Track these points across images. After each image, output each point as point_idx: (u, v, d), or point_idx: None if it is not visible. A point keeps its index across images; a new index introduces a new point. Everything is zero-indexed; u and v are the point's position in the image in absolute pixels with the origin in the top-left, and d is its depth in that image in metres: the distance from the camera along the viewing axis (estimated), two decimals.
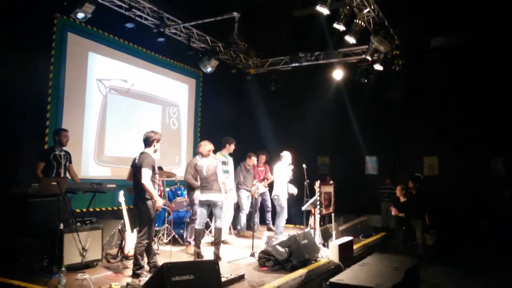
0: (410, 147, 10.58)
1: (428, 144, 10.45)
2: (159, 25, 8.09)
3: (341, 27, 7.15)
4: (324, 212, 6.58)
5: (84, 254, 4.99)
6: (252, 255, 5.91)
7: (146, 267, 4.90)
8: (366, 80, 9.45)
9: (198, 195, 6.13)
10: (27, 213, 4.99)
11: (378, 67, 8.81)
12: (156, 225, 6.52)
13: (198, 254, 5.78)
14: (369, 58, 8.66)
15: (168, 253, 5.87)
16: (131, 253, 5.29)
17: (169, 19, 8.23)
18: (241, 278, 4.68)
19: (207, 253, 5.95)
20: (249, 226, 7.85)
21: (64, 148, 5.95)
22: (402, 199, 8.00)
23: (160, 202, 4.96)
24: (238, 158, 8.25)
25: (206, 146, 6.10)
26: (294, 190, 7.74)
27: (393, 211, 7.99)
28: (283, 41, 10.14)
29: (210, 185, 5.84)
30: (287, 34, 9.96)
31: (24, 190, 5.08)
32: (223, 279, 4.10)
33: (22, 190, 5.15)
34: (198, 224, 5.94)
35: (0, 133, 5.92)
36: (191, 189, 6.64)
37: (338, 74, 9.71)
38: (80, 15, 6.51)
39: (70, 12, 6.55)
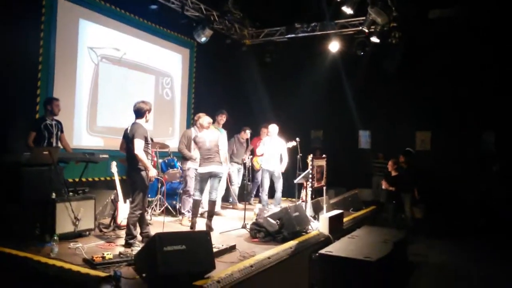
0: (403, 121, 10.60)
1: (421, 119, 10.48)
2: None
3: None
4: (316, 185, 6.64)
5: (77, 223, 5.01)
6: (244, 226, 5.98)
7: (139, 237, 4.94)
8: (362, 53, 9.36)
9: (197, 167, 6.09)
10: (19, 182, 4.94)
11: (374, 39, 8.71)
12: (149, 195, 6.55)
13: (193, 224, 5.84)
14: (366, 30, 8.56)
15: (161, 224, 5.93)
16: (124, 223, 5.33)
17: None
18: (232, 248, 4.75)
19: (200, 225, 6.02)
20: (241, 199, 7.91)
21: (55, 117, 5.88)
22: (393, 173, 8.08)
23: (153, 172, 4.97)
24: (232, 130, 8.23)
25: (206, 118, 6.10)
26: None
27: (384, 185, 8.09)
28: (279, 11, 9.94)
29: (212, 157, 5.86)
30: (283, 4, 9.75)
31: (16, 159, 5.04)
32: (214, 250, 4.15)
33: (14, 159, 5.11)
34: (198, 196, 5.96)
35: None
36: (184, 159, 6.65)
37: (334, 46, 9.59)
38: None
39: None
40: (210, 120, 6.20)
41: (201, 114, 6.62)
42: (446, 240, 8.02)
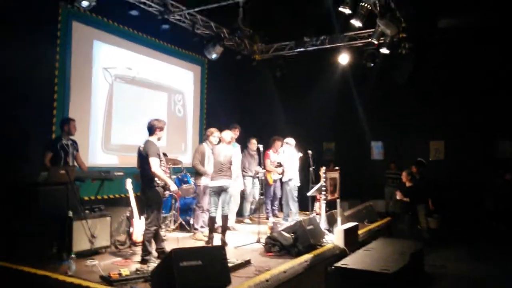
0: (416, 131, 10.54)
1: (434, 129, 10.41)
2: (163, 12, 8.05)
3: (347, 11, 7.07)
4: (329, 197, 6.63)
5: (93, 241, 5.09)
6: (258, 241, 5.98)
7: (154, 253, 4.98)
8: (372, 64, 9.38)
9: (208, 182, 6.15)
10: (37, 201, 5.06)
11: (384, 50, 8.72)
12: (163, 212, 6.61)
13: (210, 240, 5.85)
14: (376, 42, 8.56)
15: (175, 239, 5.98)
16: (139, 239, 5.38)
17: (173, 6, 8.19)
18: (247, 263, 4.75)
19: (215, 240, 6.02)
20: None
21: (71, 137, 6.01)
22: (407, 184, 8.01)
23: (174, 187, 5.09)
24: (244, 145, 8.27)
25: (229, 132, 6.25)
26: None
27: (398, 196, 8.02)
28: (288, 26, 10.05)
29: (224, 171, 5.93)
30: (292, 18, 9.86)
31: (34, 179, 5.16)
32: (229, 264, 4.17)
33: (31, 179, 5.24)
34: (213, 212, 5.98)
35: (8, 123, 5.97)
36: (198, 175, 6.68)
37: (344, 59, 9.63)
38: (85, 3, 6.48)
39: (74, 0, 6.54)
40: (233, 136, 6.28)
41: (212, 130, 6.72)
42: (463, 249, 7.87)
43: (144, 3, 7.74)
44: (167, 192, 5.06)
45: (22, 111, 6.21)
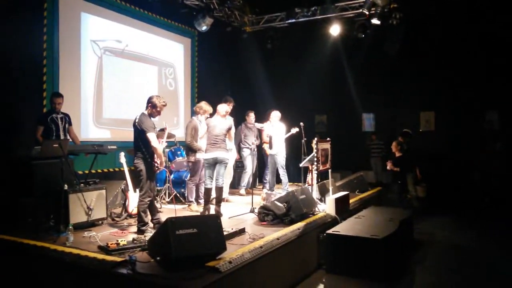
0: (406, 102, 10.63)
1: (424, 99, 10.50)
2: None
3: None
4: (321, 168, 6.74)
5: (90, 213, 5.16)
6: (252, 211, 6.10)
7: (150, 224, 5.08)
8: (363, 35, 9.35)
9: (203, 155, 6.20)
10: (31, 175, 5.09)
11: (375, 21, 8.69)
12: (158, 185, 6.68)
13: (206, 211, 5.94)
14: (367, 12, 8.53)
15: (170, 211, 6.08)
16: (135, 211, 5.45)
17: None
18: (242, 231, 4.87)
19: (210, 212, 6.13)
20: (253, 185, 7.93)
21: (62, 110, 5.98)
22: (397, 154, 8.14)
23: (162, 165, 5.14)
24: (237, 117, 8.28)
25: (224, 106, 6.21)
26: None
27: (389, 166, 8.16)
28: None
29: (218, 143, 5.95)
30: None
31: (27, 153, 5.17)
32: (224, 233, 4.26)
33: (24, 153, 5.24)
34: (208, 184, 6.02)
35: None
36: (191, 150, 6.70)
37: (335, 30, 9.58)
38: None
39: None
40: (228, 110, 6.26)
41: (202, 104, 6.73)
42: (450, 218, 8.12)
43: None
44: (160, 166, 5.09)
45: (13, 87, 6.16)
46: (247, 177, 8.12)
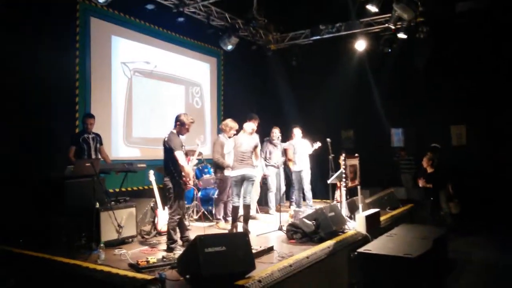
0: (436, 117, 10.38)
1: (455, 113, 10.23)
2: (178, 5, 8.13)
3: None
4: (350, 184, 6.62)
5: (120, 231, 5.23)
6: (280, 228, 6.03)
7: (180, 242, 5.09)
8: (389, 50, 9.28)
9: (230, 173, 6.19)
10: (64, 194, 5.22)
11: (402, 35, 8.62)
12: (186, 202, 6.71)
13: (234, 229, 5.91)
14: (393, 27, 8.47)
15: (198, 229, 6.09)
16: (164, 229, 5.51)
17: None
18: (270, 249, 4.82)
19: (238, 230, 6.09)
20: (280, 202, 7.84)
21: (94, 130, 6.15)
22: (429, 170, 7.93)
23: (191, 184, 5.19)
24: (263, 135, 8.28)
25: (250, 124, 6.23)
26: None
27: (421, 183, 7.94)
28: (303, 14, 9.99)
29: (245, 160, 5.95)
30: (306, 6, 9.80)
31: (60, 173, 5.31)
32: (253, 251, 4.23)
33: (58, 173, 5.39)
34: (235, 202, 6.00)
35: (34, 120, 6.14)
36: (218, 168, 6.72)
37: (360, 45, 9.55)
38: None
39: None
40: (254, 128, 6.27)
41: (227, 121, 6.76)
42: (486, 236, 7.78)
43: None
44: (188, 184, 5.13)
45: (47, 108, 6.38)
46: (273, 196, 7.91)
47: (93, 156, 6.06)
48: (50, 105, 6.46)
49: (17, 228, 5.40)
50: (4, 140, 5.79)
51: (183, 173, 5.02)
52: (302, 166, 7.82)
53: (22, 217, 5.47)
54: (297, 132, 7.95)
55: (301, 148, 7.86)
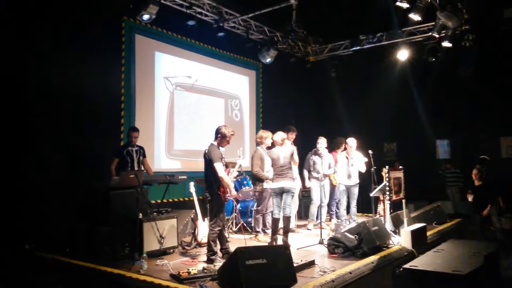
0: (485, 128, 9.91)
1: (504, 124, 9.72)
2: (218, 20, 8.29)
3: (405, 5, 6.87)
4: (394, 198, 6.40)
5: (162, 241, 5.31)
6: (321, 242, 5.91)
7: (219, 253, 5.09)
8: (434, 59, 8.99)
9: (270, 185, 6.14)
10: (109, 205, 5.36)
11: (446, 44, 8.33)
12: (225, 214, 6.73)
13: (274, 242, 5.84)
14: (437, 35, 8.20)
15: (237, 241, 6.07)
16: (204, 240, 5.54)
17: (228, 13, 8.40)
18: (311, 263, 4.72)
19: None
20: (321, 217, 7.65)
21: (137, 143, 6.32)
22: (476, 182, 7.53)
23: (234, 193, 5.18)
24: (302, 147, 8.18)
25: (280, 133, 6.17)
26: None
27: (470, 197, 7.55)
28: (342, 25, 9.90)
29: (284, 173, 5.89)
30: (346, 17, 9.71)
31: (105, 183, 5.49)
32: (294, 264, 4.16)
33: (103, 183, 5.58)
34: (276, 214, 5.93)
35: (80, 134, 6.42)
36: (257, 180, 6.68)
37: (403, 55, 9.32)
38: (145, 16, 6.86)
39: (136, 14, 6.93)
40: (284, 136, 6.20)
41: (261, 134, 6.73)
42: None
43: (200, 13, 8.00)
44: (227, 196, 5.15)
45: (93, 122, 6.64)
46: (315, 209, 7.62)
47: (136, 168, 6.21)
48: (96, 120, 6.71)
49: (64, 237, 5.60)
50: (55, 153, 6.06)
51: (222, 185, 5.04)
52: (355, 180, 7.43)
53: (68, 227, 5.69)
54: (352, 142, 7.46)
55: (355, 161, 7.45)
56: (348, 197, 7.50)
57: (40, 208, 5.72)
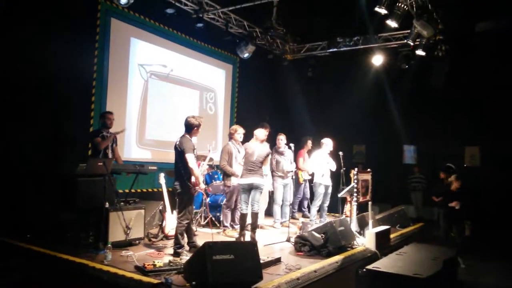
0: (450, 136, 10.27)
1: (469, 134, 10.11)
2: (198, 11, 8.18)
3: (383, 11, 6.98)
4: (361, 199, 6.54)
5: (128, 232, 5.21)
6: (288, 240, 5.97)
7: (186, 247, 5.05)
8: (407, 66, 9.21)
9: (239, 180, 6.13)
10: (75, 191, 5.19)
11: (420, 52, 8.55)
12: (194, 207, 6.68)
13: (242, 237, 5.83)
14: (411, 43, 8.41)
15: (205, 235, 6.04)
16: (171, 233, 5.48)
17: (208, 4, 8.30)
18: (277, 261, 4.76)
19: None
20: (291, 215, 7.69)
21: (110, 130, 6.15)
22: (455, 184, 7.70)
23: (202, 186, 5.14)
24: (274, 143, 8.23)
25: (262, 130, 6.13)
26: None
27: (456, 205, 7.72)
28: (320, 26, 9.99)
29: (255, 170, 5.88)
30: (325, 18, 9.79)
31: (72, 170, 5.32)
32: (260, 261, 4.18)
33: (69, 170, 5.40)
34: (244, 209, 5.90)
35: (48, 117, 6.20)
36: (226, 175, 6.66)
37: (377, 60, 9.50)
38: (123, 0, 6.66)
39: None
40: (266, 133, 6.16)
41: (236, 127, 6.72)
42: (498, 261, 7.59)
43: (180, 2, 7.87)
44: (196, 188, 5.10)
45: (62, 105, 6.41)
46: (278, 208, 7.51)
47: (110, 156, 6.02)
48: (65, 102, 6.48)
49: (26, 222, 5.41)
50: (23, 135, 5.82)
51: (192, 177, 4.99)
52: (330, 180, 7.45)
53: (32, 212, 5.50)
54: (329, 143, 7.49)
55: (330, 161, 7.46)
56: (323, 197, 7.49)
57: (4, 192, 5.48)
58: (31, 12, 5.97)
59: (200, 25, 8.34)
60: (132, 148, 7.74)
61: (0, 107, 5.74)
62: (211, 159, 7.50)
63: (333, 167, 7.53)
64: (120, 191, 6.43)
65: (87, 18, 6.99)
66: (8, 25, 5.71)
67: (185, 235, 5.07)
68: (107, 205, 5.02)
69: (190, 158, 4.94)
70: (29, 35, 5.87)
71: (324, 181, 7.41)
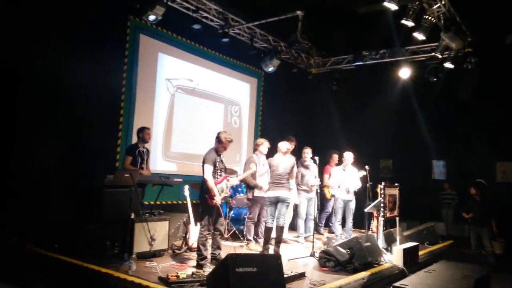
0: (481, 151, 9.93)
1: (501, 149, 9.75)
2: (223, 26, 8.31)
3: (410, 23, 6.90)
4: (388, 215, 6.37)
5: (152, 243, 5.25)
6: (312, 255, 5.86)
7: (209, 258, 5.03)
8: (435, 79, 9.03)
9: (264, 194, 6.09)
10: (102, 202, 5.32)
11: (448, 65, 8.38)
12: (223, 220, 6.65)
13: (265, 251, 5.76)
14: (439, 56, 8.26)
15: (228, 248, 6.01)
16: (195, 245, 5.48)
17: (234, 20, 8.43)
18: (301, 275, 4.68)
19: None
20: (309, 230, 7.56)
21: (145, 144, 6.26)
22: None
23: (217, 199, 5.00)
24: (298, 157, 8.17)
25: (285, 143, 6.10)
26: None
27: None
28: (346, 39, 9.96)
29: (282, 183, 5.84)
30: (350, 32, 9.77)
31: (100, 181, 5.44)
32: (284, 275, 4.11)
33: (97, 181, 5.53)
34: (269, 223, 5.85)
35: (78, 130, 6.36)
36: (250, 187, 6.65)
37: (405, 73, 9.35)
38: (152, 17, 6.85)
39: (142, 14, 6.92)
40: (289, 147, 6.15)
41: (262, 140, 6.72)
42: None
43: (206, 18, 8.03)
44: (213, 201, 5.04)
45: (91, 119, 6.58)
46: (302, 223, 7.46)
47: (145, 169, 6.17)
48: (95, 117, 6.65)
49: (54, 232, 5.53)
50: (53, 147, 6.00)
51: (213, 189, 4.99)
52: (352, 195, 7.35)
53: (59, 223, 5.62)
54: (349, 157, 7.44)
55: (351, 175, 7.39)
56: (345, 212, 7.42)
57: (34, 202, 5.63)
58: (65, 30, 6.20)
59: (225, 40, 8.46)
60: (157, 161, 7.85)
61: (34, 121, 5.96)
62: (234, 172, 7.44)
63: (357, 185, 7.39)
64: (146, 202, 6.50)
65: (117, 35, 7.21)
66: (43, 42, 5.94)
67: (208, 247, 5.06)
68: (132, 215, 5.08)
69: (206, 168, 5.00)
70: (62, 52, 6.09)
71: (342, 196, 7.33)
